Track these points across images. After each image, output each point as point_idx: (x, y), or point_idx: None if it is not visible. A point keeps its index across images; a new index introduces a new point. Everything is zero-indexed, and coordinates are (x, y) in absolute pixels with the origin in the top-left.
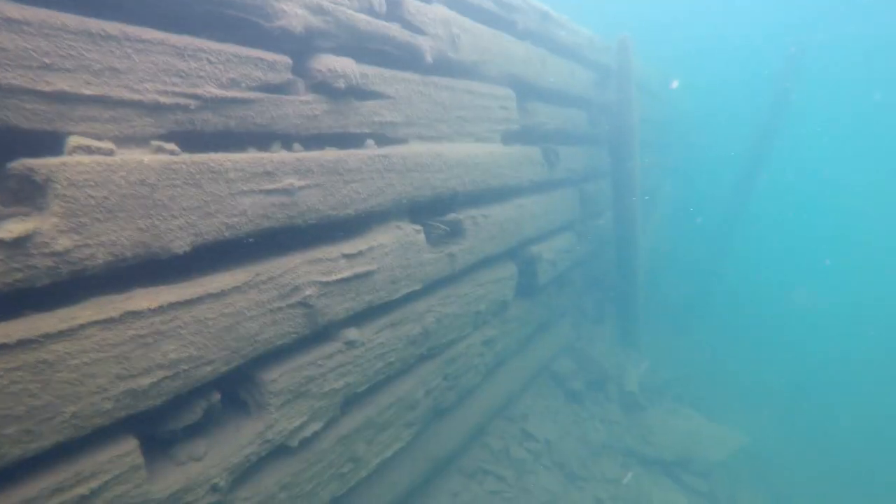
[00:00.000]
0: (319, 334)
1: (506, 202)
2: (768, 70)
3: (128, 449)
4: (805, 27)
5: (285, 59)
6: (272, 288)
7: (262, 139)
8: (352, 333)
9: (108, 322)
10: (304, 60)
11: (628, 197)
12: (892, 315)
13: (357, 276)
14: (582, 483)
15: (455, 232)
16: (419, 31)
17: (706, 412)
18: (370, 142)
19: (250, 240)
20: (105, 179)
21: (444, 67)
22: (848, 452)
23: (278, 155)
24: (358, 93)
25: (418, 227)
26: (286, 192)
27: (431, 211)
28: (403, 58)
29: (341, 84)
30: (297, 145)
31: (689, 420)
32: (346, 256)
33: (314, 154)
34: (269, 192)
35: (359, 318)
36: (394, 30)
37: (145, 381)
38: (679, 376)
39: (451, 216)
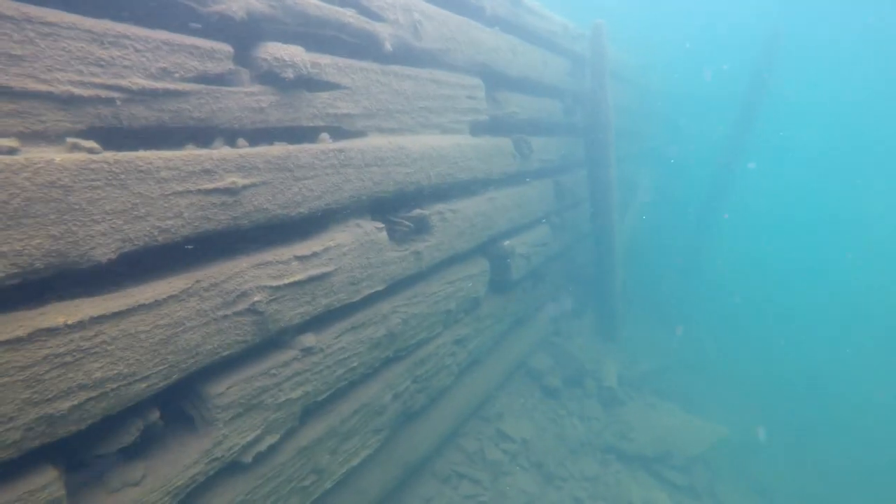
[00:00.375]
0: (272, 342)
1: (475, 196)
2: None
3: (44, 481)
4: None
5: (225, 48)
6: (215, 295)
7: (203, 135)
8: (308, 340)
9: (13, 343)
10: (250, 49)
11: (605, 187)
12: (878, 308)
13: (312, 279)
14: (560, 483)
15: (421, 228)
16: (377, 17)
17: (686, 405)
18: (325, 135)
19: (189, 245)
20: (5, 181)
21: (407, 56)
22: (831, 445)
23: (218, 151)
24: (310, 83)
25: (380, 225)
26: (228, 191)
27: (395, 207)
28: (361, 46)
29: (290, 74)
30: (241, 141)
31: (668, 414)
32: (300, 258)
33: (260, 150)
34: (208, 191)
35: (316, 322)
36: (348, 16)
37: (64, 405)
38: (659, 368)
39: (417, 212)
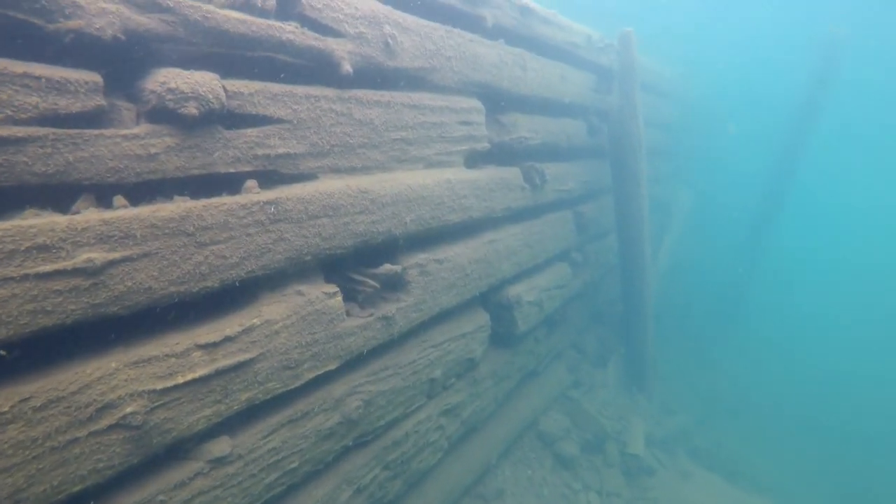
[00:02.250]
0: (166, 455)
1: (471, 239)
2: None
3: None
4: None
5: (89, 77)
6: (58, 414)
7: (57, 193)
8: (219, 447)
9: None
10: (139, 78)
11: (634, 215)
12: None
13: (223, 372)
14: None
15: (394, 285)
16: (331, 31)
17: (729, 471)
18: (251, 183)
19: (13, 350)
20: None
21: (376, 78)
22: None
23: (67, 219)
24: (228, 118)
25: (332, 289)
26: (82, 272)
27: (361, 260)
28: (309, 68)
29: (191, 109)
30: (119, 199)
31: (706, 488)
32: (205, 347)
33: (138, 212)
34: (47, 275)
35: (232, 423)
36: (287, 31)
37: None
38: (697, 421)
39: (386, 268)
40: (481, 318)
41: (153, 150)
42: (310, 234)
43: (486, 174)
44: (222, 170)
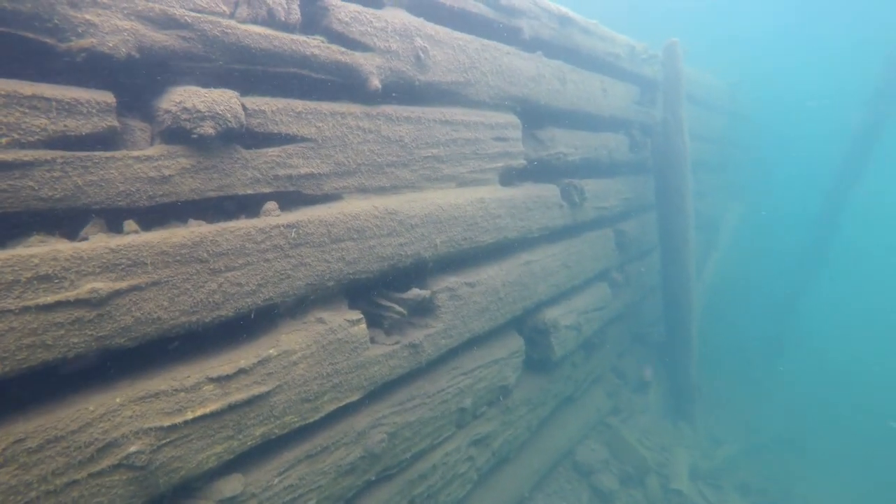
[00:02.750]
0: (173, 495)
1: (505, 260)
2: (863, 73)
3: None
4: None
5: (101, 98)
6: (55, 455)
7: (66, 219)
8: (230, 486)
9: None
10: (155, 98)
11: (679, 232)
12: None
13: (236, 407)
14: None
15: (423, 310)
16: (359, 45)
17: None
18: (271, 206)
19: (12, 386)
20: None
21: (407, 93)
22: None
23: (70, 247)
24: (248, 137)
25: (355, 316)
26: (86, 303)
27: (387, 285)
28: (335, 84)
29: (208, 128)
30: (130, 224)
31: None
32: (217, 380)
33: (147, 238)
34: (49, 307)
35: (245, 459)
36: (311, 46)
37: None
38: (747, 450)
39: (413, 292)
40: (515, 343)
41: (167, 172)
42: (332, 258)
43: (523, 192)
44: (241, 191)
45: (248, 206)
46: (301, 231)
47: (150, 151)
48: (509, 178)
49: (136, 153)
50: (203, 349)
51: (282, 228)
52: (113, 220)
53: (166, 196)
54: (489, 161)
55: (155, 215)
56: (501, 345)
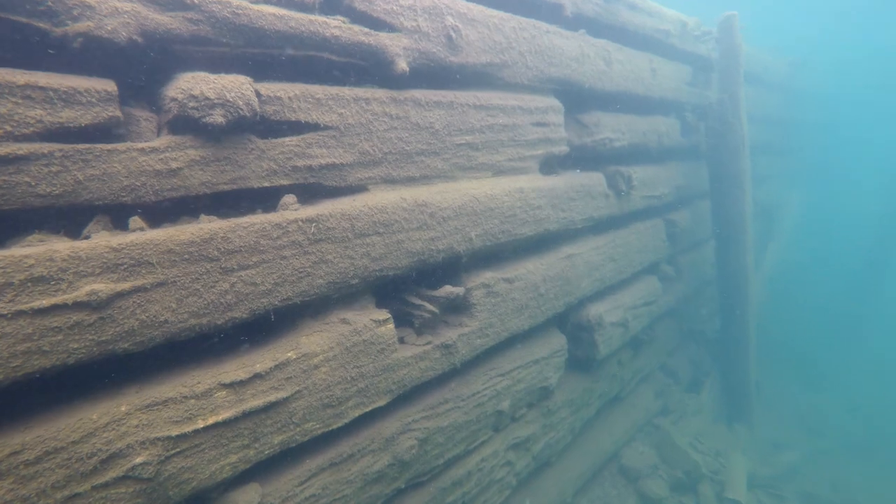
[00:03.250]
0: None
1: (546, 254)
2: None
3: None
4: None
5: (101, 86)
6: (55, 468)
7: (68, 216)
8: (246, 496)
9: None
10: (162, 85)
11: (735, 221)
12: None
13: (251, 414)
14: None
15: (456, 308)
16: (384, 25)
17: None
18: (289, 199)
19: (10, 394)
20: None
21: (437, 76)
22: None
23: (67, 246)
24: (263, 127)
25: (381, 316)
26: (85, 306)
27: (418, 281)
28: (358, 68)
29: (218, 117)
30: (136, 221)
31: None
32: (230, 386)
33: (152, 236)
34: (44, 311)
35: (263, 468)
36: (332, 26)
37: None
38: (811, 455)
39: (446, 290)
40: (557, 341)
41: (174, 165)
42: (357, 254)
43: (565, 181)
44: (256, 184)
45: (264, 199)
46: (321, 226)
47: (156, 143)
48: (550, 166)
49: (140, 145)
50: (217, 353)
51: (300, 223)
52: (118, 216)
53: (175, 191)
54: (528, 148)
55: (164, 211)
56: (542, 343)
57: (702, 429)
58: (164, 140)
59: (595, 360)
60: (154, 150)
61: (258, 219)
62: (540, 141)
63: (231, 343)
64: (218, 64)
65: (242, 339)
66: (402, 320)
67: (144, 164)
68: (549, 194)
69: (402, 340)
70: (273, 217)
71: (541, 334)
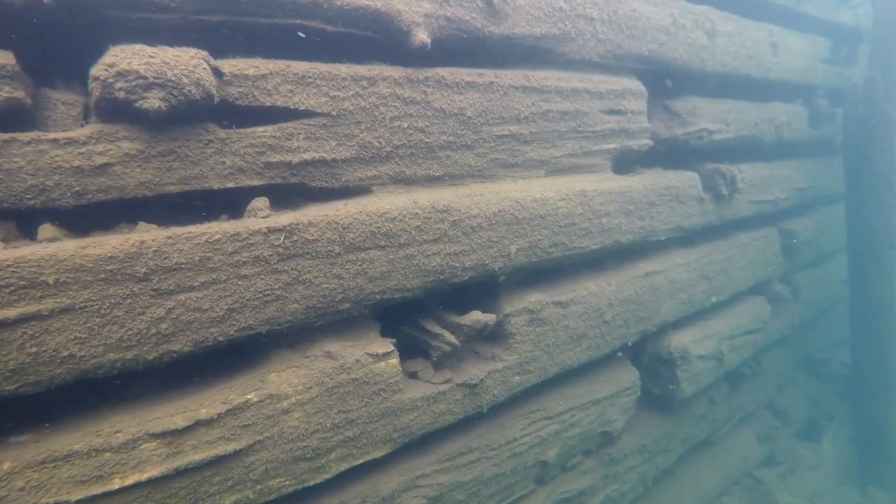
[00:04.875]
0: None
1: (615, 271)
2: None
3: None
4: None
5: None
6: None
7: None
8: None
9: None
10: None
11: (879, 230)
12: None
13: (190, 470)
14: None
15: (491, 337)
16: None
17: None
18: (257, 203)
19: None
20: None
21: (473, 52)
22: None
23: None
24: (227, 114)
25: (381, 349)
26: None
27: (445, 303)
28: (360, 41)
29: (154, 101)
30: (47, 228)
31: None
32: (161, 436)
33: (54, 250)
34: None
35: None
36: None
37: None
38: None
39: (473, 318)
40: (626, 376)
41: (101, 161)
42: (347, 273)
43: (645, 182)
44: (216, 185)
45: (232, 205)
46: (298, 237)
47: (75, 133)
48: (626, 163)
49: (52, 135)
50: (153, 393)
51: (265, 233)
52: (27, 224)
53: (104, 192)
54: (596, 141)
55: (91, 218)
56: (606, 379)
57: (821, 489)
58: (87, 130)
59: (676, 400)
60: (71, 141)
61: (207, 228)
62: (613, 132)
63: (176, 380)
64: (171, 36)
65: (193, 376)
66: (417, 350)
67: (59, 159)
68: (622, 198)
69: (414, 375)
70: (228, 226)
71: (605, 368)
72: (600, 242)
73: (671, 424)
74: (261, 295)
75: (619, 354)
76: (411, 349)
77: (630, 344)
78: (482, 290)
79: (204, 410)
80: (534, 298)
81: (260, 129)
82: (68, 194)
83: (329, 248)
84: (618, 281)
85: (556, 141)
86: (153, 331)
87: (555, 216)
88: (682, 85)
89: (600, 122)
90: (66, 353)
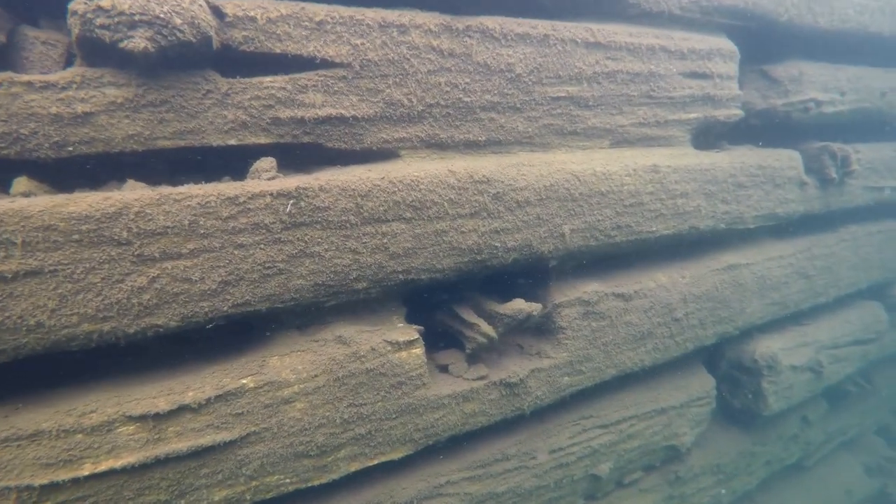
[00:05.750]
0: None
1: (690, 262)
2: None
3: None
4: None
5: None
6: None
7: None
8: None
9: None
10: None
11: None
12: None
13: (172, 460)
14: None
15: (539, 330)
16: None
17: None
18: (262, 164)
19: None
20: None
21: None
22: None
23: None
24: (230, 61)
25: (404, 336)
26: None
27: (491, 287)
28: None
29: (140, 41)
30: (22, 182)
31: None
32: (139, 419)
33: (23, 205)
34: None
35: None
36: None
37: None
38: None
39: (515, 307)
40: (699, 384)
41: (83, 109)
42: (365, 247)
43: (733, 159)
44: (216, 142)
45: (237, 165)
46: (306, 203)
47: (53, 77)
48: (710, 136)
49: (26, 77)
50: (136, 373)
51: (269, 198)
52: (3, 176)
53: (87, 144)
54: (674, 109)
55: (75, 173)
56: (675, 386)
57: None
58: (67, 73)
59: (761, 416)
60: (49, 85)
61: (199, 189)
62: (694, 100)
63: (175, 359)
64: None
65: (188, 355)
66: (454, 340)
67: (34, 104)
68: (704, 177)
69: (444, 369)
70: (225, 188)
71: (673, 373)
72: (674, 227)
73: (753, 443)
74: (260, 267)
75: (693, 358)
76: (446, 340)
77: (705, 346)
78: (530, 276)
79: (191, 394)
80: (590, 288)
81: (268, 79)
82: (46, 145)
83: (343, 217)
84: (693, 273)
85: (625, 107)
86: (134, 301)
87: (619, 194)
88: (785, 46)
89: (679, 87)
90: (33, 322)
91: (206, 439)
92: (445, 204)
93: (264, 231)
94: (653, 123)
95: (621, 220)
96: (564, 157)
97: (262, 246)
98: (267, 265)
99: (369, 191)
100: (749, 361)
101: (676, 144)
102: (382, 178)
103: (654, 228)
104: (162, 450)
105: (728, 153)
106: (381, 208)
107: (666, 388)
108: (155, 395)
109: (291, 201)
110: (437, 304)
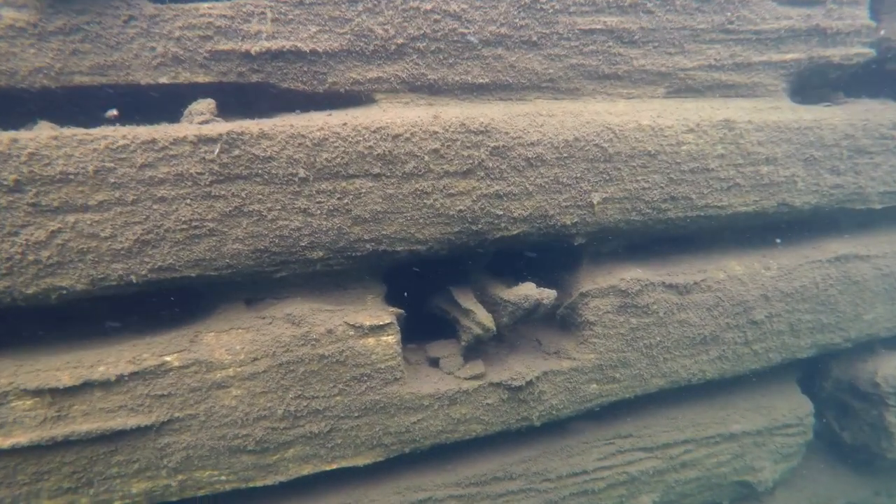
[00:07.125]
0: None
1: (780, 249)
2: None
3: None
4: None
5: None
6: None
7: None
8: None
9: None
10: None
11: None
12: None
13: (76, 443)
14: None
15: (562, 324)
16: None
17: None
18: (199, 105)
19: None
20: None
21: None
22: None
23: None
24: None
25: (374, 320)
26: None
27: (500, 267)
28: None
29: None
30: None
31: None
32: (37, 393)
33: None
34: None
35: None
36: None
37: None
38: None
39: (523, 290)
40: (789, 406)
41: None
42: (318, 207)
43: (851, 116)
44: (143, 80)
45: (175, 108)
46: (242, 151)
47: None
48: (816, 85)
49: None
50: (47, 342)
51: (192, 142)
52: None
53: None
54: (763, 48)
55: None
56: (753, 406)
57: None
58: None
59: (881, 457)
60: None
61: (109, 131)
62: (796, 34)
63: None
64: None
65: (112, 323)
66: (447, 329)
67: None
68: (803, 138)
69: (435, 363)
70: (141, 131)
71: (751, 390)
72: (755, 203)
73: (875, 492)
74: (185, 226)
75: (781, 374)
76: (448, 329)
77: (799, 359)
78: (558, 256)
79: (102, 369)
80: (630, 275)
81: (204, 4)
82: None
83: (290, 170)
84: (784, 264)
85: (688, 44)
86: (30, 258)
87: (675, 155)
88: None
89: (772, 18)
90: None
91: (117, 422)
92: (426, 157)
93: (190, 183)
94: (730, 67)
95: (677, 190)
96: (598, 106)
97: (187, 201)
98: (194, 224)
99: (324, 138)
100: (867, 384)
101: (764, 94)
102: (344, 123)
103: (726, 203)
104: (62, 430)
105: (844, 108)
106: (341, 161)
107: (739, 408)
108: (60, 367)
109: (220, 147)
110: (441, 286)
